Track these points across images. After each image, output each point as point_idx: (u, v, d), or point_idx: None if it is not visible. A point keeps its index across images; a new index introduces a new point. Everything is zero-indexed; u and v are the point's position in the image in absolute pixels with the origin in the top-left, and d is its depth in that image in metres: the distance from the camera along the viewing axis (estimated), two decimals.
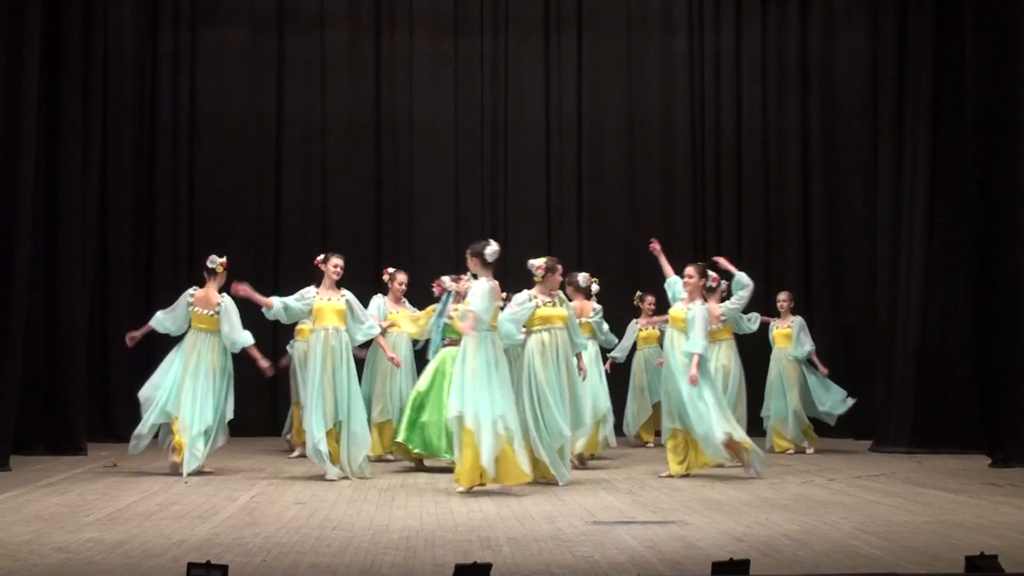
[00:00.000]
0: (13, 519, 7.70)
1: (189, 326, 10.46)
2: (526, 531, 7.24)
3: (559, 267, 9.91)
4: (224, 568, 5.44)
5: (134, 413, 13.57)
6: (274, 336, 12.81)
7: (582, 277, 11.36)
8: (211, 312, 10.40)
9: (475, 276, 9.56)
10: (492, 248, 9.38)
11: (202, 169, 14.47)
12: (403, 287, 11.70)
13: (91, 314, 13.01)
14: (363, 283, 13.41)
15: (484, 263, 9.41)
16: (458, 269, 13.75)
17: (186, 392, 10.23)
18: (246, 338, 10.40)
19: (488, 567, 5.44)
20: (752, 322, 12.11)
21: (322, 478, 9.85)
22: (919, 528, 7.39)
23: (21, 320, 10.99)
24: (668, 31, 14.85)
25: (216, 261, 10.59)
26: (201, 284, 10.63)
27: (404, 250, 14.36)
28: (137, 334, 10.65)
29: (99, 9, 12.78)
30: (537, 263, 9.82)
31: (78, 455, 11.76)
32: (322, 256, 10.40)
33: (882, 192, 13.28)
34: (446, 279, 11.01)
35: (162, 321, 10.58)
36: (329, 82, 14.65)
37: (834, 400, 12.44)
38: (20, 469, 10.55)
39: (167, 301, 13.83)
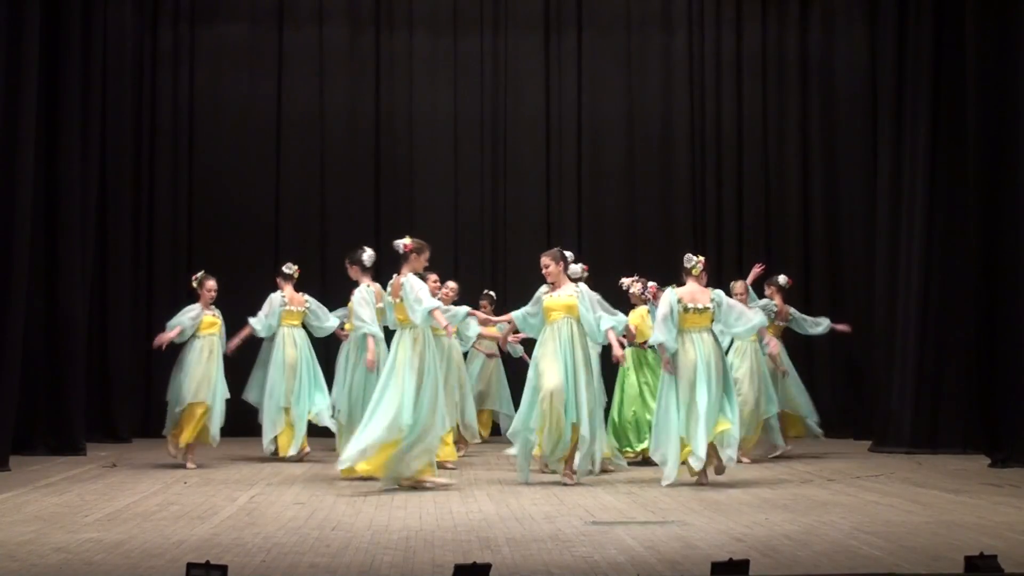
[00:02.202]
0: (13, 519, 7.70)
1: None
2: (525, 531, 7.24)
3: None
4: (223, 568, 5.44)
5: (133, 413, 13.69)
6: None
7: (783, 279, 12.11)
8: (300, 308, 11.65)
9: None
10: (368, 253, 10.16)
11: (201, 167, 14.46)
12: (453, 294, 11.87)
13: (91, 314, 13.00)
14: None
15: (363, 268, 10.08)
16: (458, 268, 13.83)
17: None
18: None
19: (487, 567, 5.45)
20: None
21: (322, 479, 9.86)
22: (918, 528, 7.39)
23: (21, 320, 10.98)
24: (668, 30, 14.83)
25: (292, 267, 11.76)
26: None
27: None
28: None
29: (98, 7, 12.76)
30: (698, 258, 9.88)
31: (77, 455, 11.74)
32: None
33: (881, 192, 13.27)
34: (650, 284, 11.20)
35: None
36: (328, 80, 14.65)
37: None
38: (19, 469, 10.54)
39: (167, 300, 13.95)
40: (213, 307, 11.19)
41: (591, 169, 14.79)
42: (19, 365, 11.00)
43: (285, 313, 11.56)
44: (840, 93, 14.53)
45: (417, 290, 9.22)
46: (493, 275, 14.44)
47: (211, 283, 11.17)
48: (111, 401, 13.44)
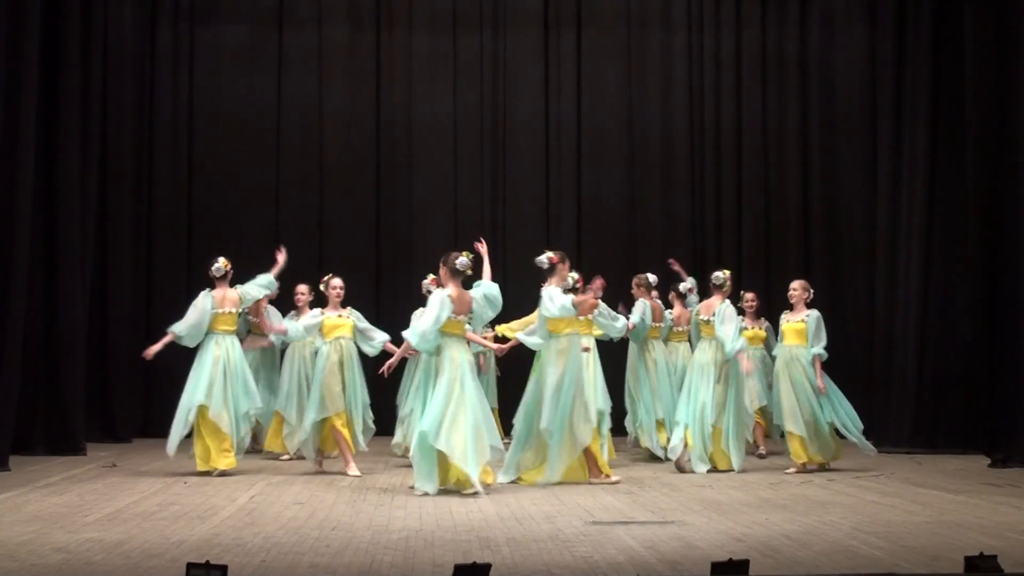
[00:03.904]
0: (13, 519, 7.70)
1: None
2: (525, 531, 7.24)
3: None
4: (223, 568, 5.45)
5: (133, 413, 13.68)
6: None
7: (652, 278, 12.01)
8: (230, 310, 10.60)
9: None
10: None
11: (201, 167, 14.44)
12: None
13: (91, 314, 12.99)
14: (363, 281, 13.42)
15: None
16: None
17: None
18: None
19: (487, 567, 5.45)
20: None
21: (322, 478, 9.87)
22: (918, 528, 7.39)
23: (21, 320, 10.98)
24: (667, 30, 14.82)
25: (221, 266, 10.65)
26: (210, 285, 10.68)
27: (403, 247, 14.36)
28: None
29: (98, 7, 12.76)
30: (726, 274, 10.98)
31: (77, 455, 11.74)
32: (326, 278, 10.83)
33: (881, 192, 13.29)
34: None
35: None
36: (328, 80, 14.63)
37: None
38: (19, 469, 10.54)
39: (166, 300, 13.92)
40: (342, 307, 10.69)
41: (590, 168, 14.77)
42: (19, 365, 11.01)
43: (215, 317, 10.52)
44: (840, 93, 14.53)
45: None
46: (492, 275, 14.38)
47: (337, 281, 10.68)
48: (111, 401, 13.43)
